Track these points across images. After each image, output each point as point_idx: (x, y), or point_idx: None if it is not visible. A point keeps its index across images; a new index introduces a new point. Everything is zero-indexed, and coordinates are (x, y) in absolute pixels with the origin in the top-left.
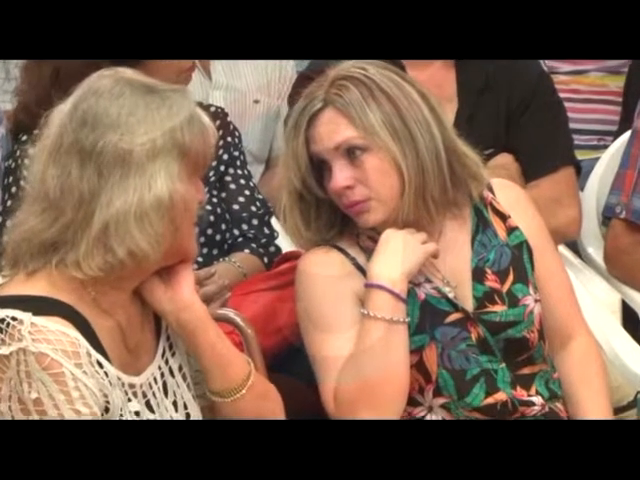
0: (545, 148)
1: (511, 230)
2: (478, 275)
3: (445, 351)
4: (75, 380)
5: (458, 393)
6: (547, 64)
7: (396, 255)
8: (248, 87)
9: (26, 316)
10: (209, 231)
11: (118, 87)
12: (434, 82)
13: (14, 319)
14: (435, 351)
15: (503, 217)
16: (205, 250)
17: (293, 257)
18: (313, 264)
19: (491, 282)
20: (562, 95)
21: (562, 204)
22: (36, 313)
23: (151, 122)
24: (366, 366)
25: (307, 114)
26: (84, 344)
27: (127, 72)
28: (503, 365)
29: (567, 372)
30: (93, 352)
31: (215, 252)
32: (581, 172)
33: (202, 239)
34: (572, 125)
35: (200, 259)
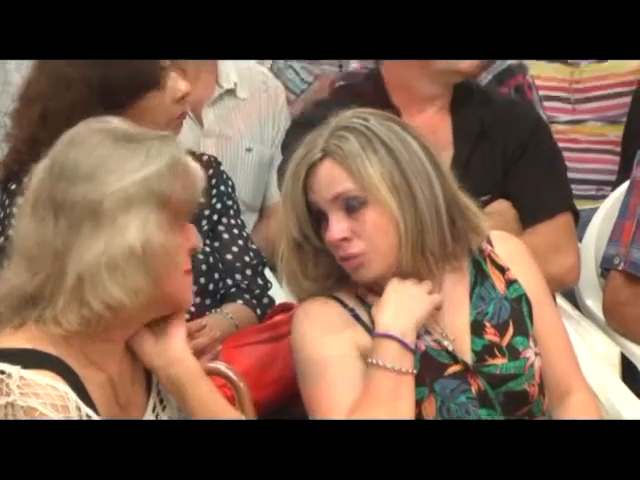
0: (542, 194)
1: (510, 283)
2: (477, 329)
3: (445, 404)
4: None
5: None
6: (546, 113)
7: (404, 305)
8: (240, 135)
9: (14, 369)
10: (202, 280)
11: (95, 137)
12: (429, 128)
13: (2, 372)
14: (434, 404)
15: (502, 270)
16: (198, 300)
17: (286, 309)
18: (311, 314)
19: (490, 335)
20: (560, 145)
21: (560, 251)
22: (25, 366)
23: (122, 171)
24: (372, 416)
25: (306, 163)
26: (73, 398)
27: (111, 122)
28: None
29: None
30: (82, 406)
31: (208, 302)
32: (579, 220)
33: (194, 288)
34: (570, 175)
35: (192, 309)
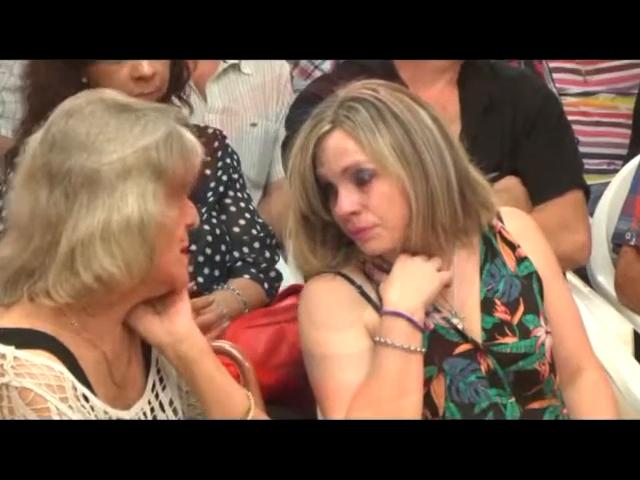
0: (552, 170)
1: (520, 260)
2: (487, 306)
3: (454, 383)
4: (60, 415)
5: None
6: (556, 85)
7: (413, 282)
8: (245, 110)
9: (8, 350)
10: (208, 251)
11: (90, 107)
12: (437, 102)
13: None
14: (443, 383)
15: (512, 247)
16: (206, 270)
17: (296, 291)
18: (317, 292)
19: (500, 313)
20: (571, 117)
21: (570, 229)
22: (18, 346)
23: (121, 141)
24: (381, 395)
25: (315, 135)
26: (69, 377)
27: (105, 92)
28: (512, 400)
29: (576, 406)
30: (79, 385)
31: (217, 273)
32: (590, 196)
33: (201, 258)
34: (581, 149)
35: (201, 279)
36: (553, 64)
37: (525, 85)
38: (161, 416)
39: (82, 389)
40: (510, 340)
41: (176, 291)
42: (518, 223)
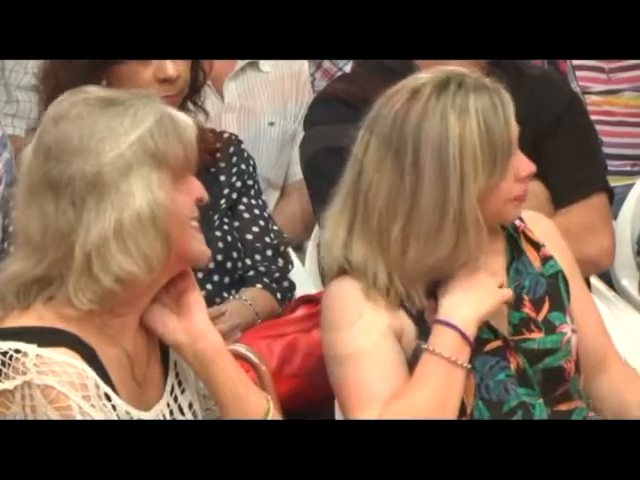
0: (575, 173)
1: (545, 259)
2: (515, 302)
3: (483, 381)
4: (82, 414)
5: None
6: (579, 84)
7: (472, 296)
8: (263, 109)
9: (30, 348)
10: (219, 257)
11: (75, 109)
12: None
13: (18, 351)
14: (473, 381)
15: (537, 246)
16: (216, 278)
17: (309, 301)
18: (346, 292)
19: (527, 309)
20: (594, 117)
21: (594, 232)
22: (41, 344)
23: (115, 137)
24: (419, 403)
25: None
26: (92, 375)
27: (87, 90)
28: (541, 401)
29: (607, 395)
30: (101, 384)
31: (227, 280)
32: (614, 199)
33: (211, 265)
34: (605, 149)
35: (210, 287)
36: (576, 62)
37: (549, 85)
38: (180, 419)
39: (105, 388)
40: (537, 335)
41: (192, 288)
42: (540, 226)
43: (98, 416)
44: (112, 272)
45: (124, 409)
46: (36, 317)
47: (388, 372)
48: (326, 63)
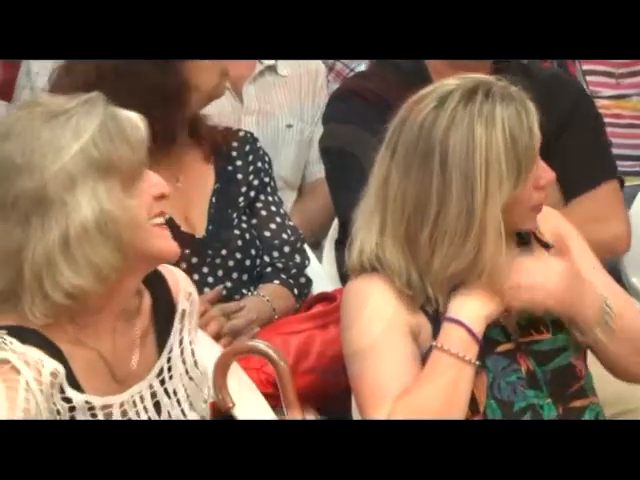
0: (586, 164)
1: None
2: None
3: (496, 381)
4: (28, 391)
5: None
6: (589, 88)
7: (483, 294)
8: (281, 111)
9: None
10: (238, 255)
11: (20, 123)
12: None
13: None
14: (485, 380)
15: (546, 247)
16: (235, 275)
17: (325, 299)
18: (369, 289)
19: None
20: (604, 120)
21: (608, 218)
22: (9, 334)
23: (57, 150)
24: (427, 400)
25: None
26: (50, 365)
27: (37, 100)
28: (549, 400)
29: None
30: (60, 376)
31: (245, 277)
32: (624, 189)
33: (231, 263)
34: (615, 151)
35: (229, 284)
36: (586, 66)
37: (558, 87)
38: (165, 402)
39: (62, 380)
40: (545, 337)
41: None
42: (551, 221)
43: (42, 402)
44: (62, 288)
45: (83, 399)
46: (9, 318)
47: (403, 370)
48: (338, 65)
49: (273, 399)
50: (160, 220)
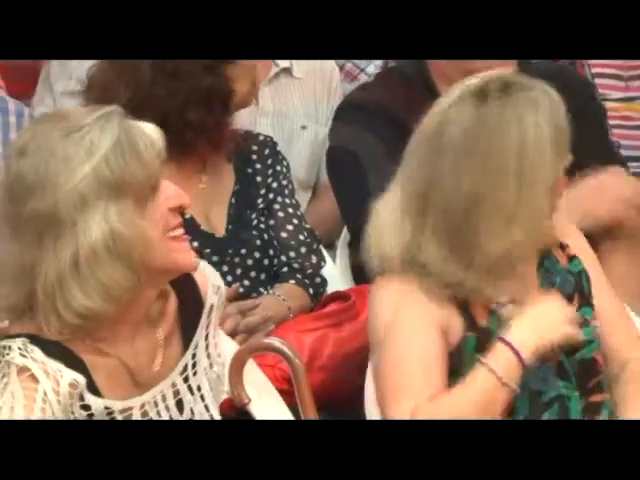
0: (588, 154)
1: (570, 258)
2: None
3: (528, 373)
4: (45, 402)
5: (530, 415)
6: (599, 90)
7: (541, 323)
8: (296, 113)
9: (21, 338)
10: (256, 254)
11: (36, 140)
12: None
13: (9, 341)
14: (520, 370)
15: (562, 246)
16: (253, 274)
17: (339, 298)
18: (401, 284)
19: None
20: (612, 122)
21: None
22: (31, 342)
23: (70, 169)
24: (458, 410)
25: None
26: (69, 375)
27: (53, 116)
28: (577, 393)
29: (623, 391)
30: (81, 386)
31: (263, 276)
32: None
33: (250, 262)
34: (623, 152)
35: (247, 282)
36: (595, 70)
37: (562, 80)
38: (188, 398)
39: (83, 389)
40: None
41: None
42: (563, 229)
43: (58, 412)
44: (73, 309)
45: (102, 405)
46: (30, 328)
47: (428, 367)
48: (348, 65)
49: (288, 395)
50: (178, 232)
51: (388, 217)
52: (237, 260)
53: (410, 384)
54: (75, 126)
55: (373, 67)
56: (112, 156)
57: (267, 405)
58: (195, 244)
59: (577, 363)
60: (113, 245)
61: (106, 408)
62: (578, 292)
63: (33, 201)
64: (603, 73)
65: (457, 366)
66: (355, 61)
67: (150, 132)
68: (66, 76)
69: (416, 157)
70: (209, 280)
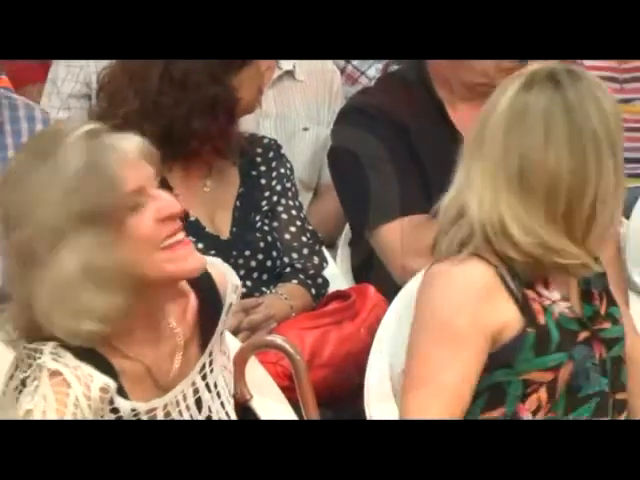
0: None
1: (595, 258)
2: (586, 295)
3: (577, 370)
4: (76, 407)
5: (565, 410)
6: None
7: None
8: (298, 115)
9: (51, 343)
10: (260, 256)
11: (20, 168)
12: (472, 118)
13: (39, 344)
14: (569, 370)
15: None
16: (256, 274)
17: (340, 296)
18: (458, 270)
19: (597, 302)
20: None
21: None
22: (62, 347)
23: (43, 200)
24: None
25: None
26: (100, 379)
27: (32, 140)
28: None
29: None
30: (111, 390)
31: (265, 277)
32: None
33: (253, 263)
34: None
35: (249, 283)
36: (591, 72)
37: None
38: (206, 397)
39: (113, 394)
40: (607, 326)
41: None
42: None
43: (89, 417)
44: (69, 333)
45: (129, 407)
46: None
47: (461, 373)
48: (349, 67)
49: (289, 392)
50: (177, 238)
51: (482, 204)
52: (241, 261)
53: (437, 381)
54: (50, 147)
55: (374, 70)
56: (81, 184)
57: (269, 401)
58: (200, 246)
59: (611, 360)
60: (89, 275)
61: (132, 410)
62: (605, 291)
63: (16, 232)
64: (598, 76)
65: (510, 361)
66: (356, 64)
67: (120, 145)
68: (73, 79)
69: (498, 140)
70: (228, 280)
